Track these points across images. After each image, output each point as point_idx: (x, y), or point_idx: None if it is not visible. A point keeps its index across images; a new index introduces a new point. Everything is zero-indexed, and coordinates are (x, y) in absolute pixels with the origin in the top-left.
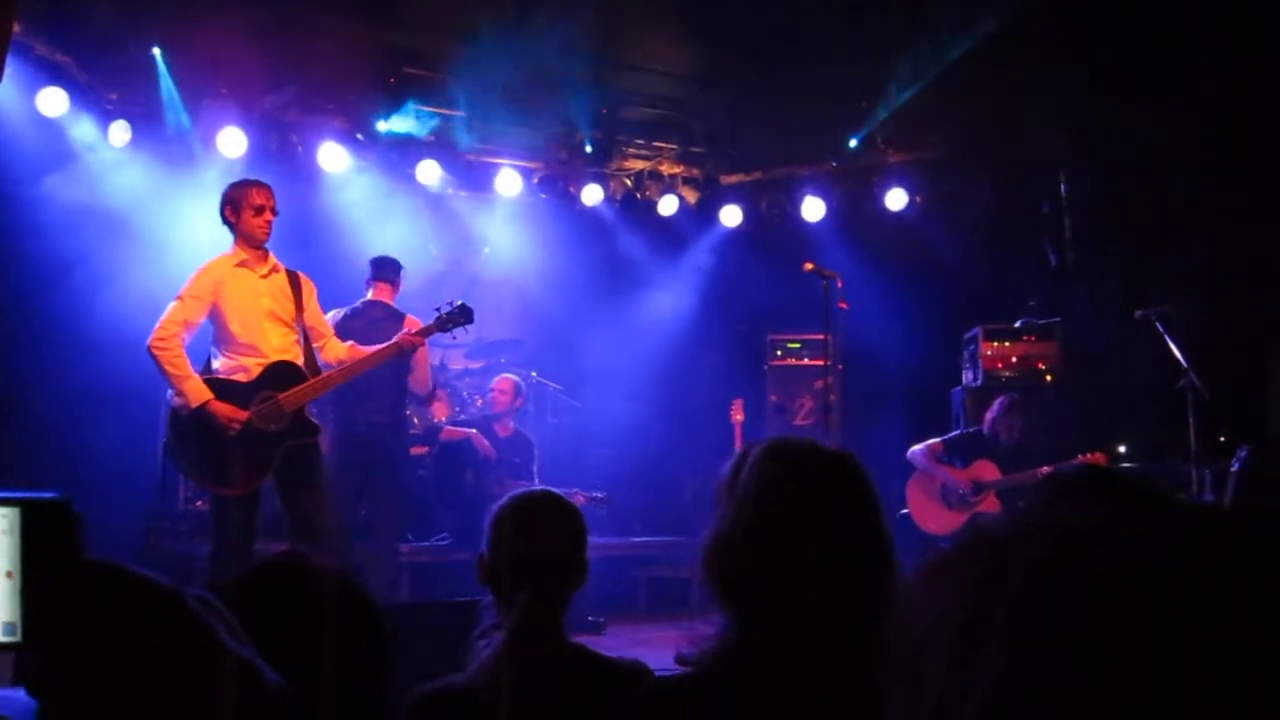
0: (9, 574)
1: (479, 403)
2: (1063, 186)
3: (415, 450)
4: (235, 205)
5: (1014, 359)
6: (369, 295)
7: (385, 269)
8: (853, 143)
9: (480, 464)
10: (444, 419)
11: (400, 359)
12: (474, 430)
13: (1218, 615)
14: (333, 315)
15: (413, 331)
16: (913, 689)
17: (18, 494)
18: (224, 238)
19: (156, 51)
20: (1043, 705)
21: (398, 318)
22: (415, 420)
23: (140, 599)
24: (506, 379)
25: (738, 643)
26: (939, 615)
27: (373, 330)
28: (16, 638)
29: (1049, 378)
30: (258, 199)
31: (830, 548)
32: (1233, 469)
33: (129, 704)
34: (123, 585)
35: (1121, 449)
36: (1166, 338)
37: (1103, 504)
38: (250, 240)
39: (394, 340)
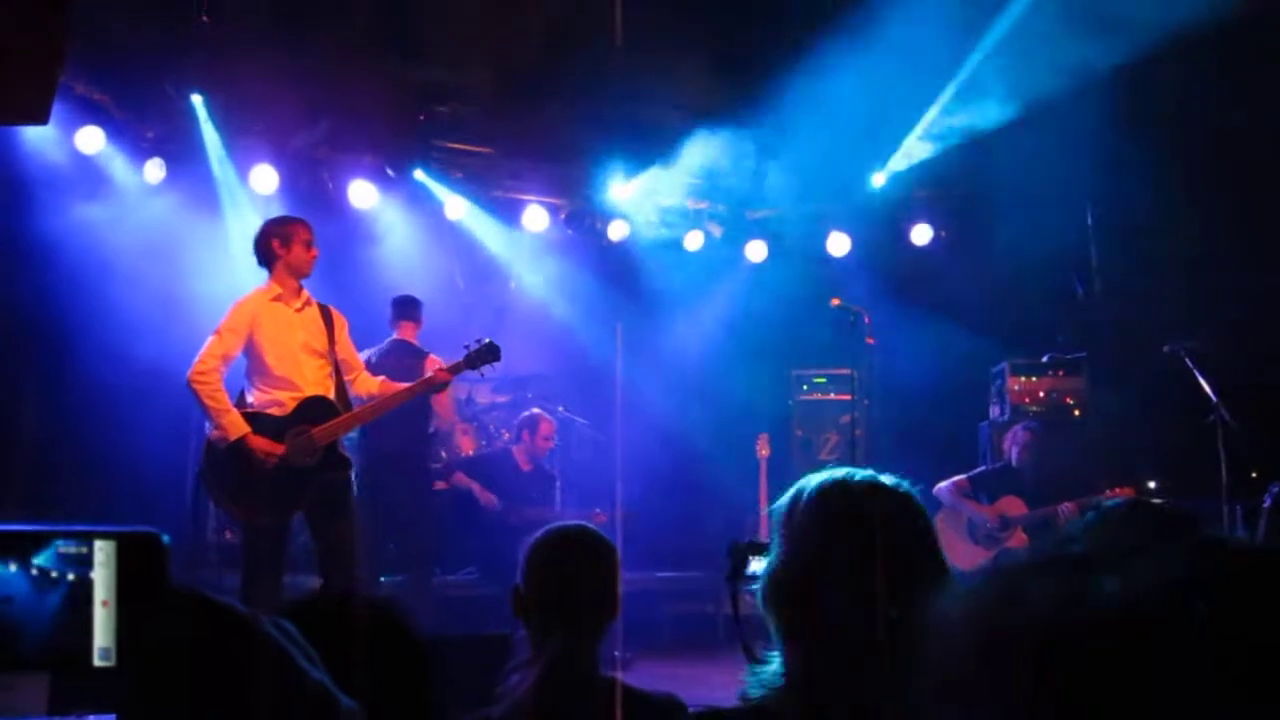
0: (104, 602)
1: (505, 436)
2: (1089, 219)
3: (438, 485)
4: (285, 239)
5: (1041, 394)
6: (394, 335)
7: (407, 308)
8: (878, 178)
9: (484, 512)
10: (470, 453)
11: (430, 394)
12: (475, 485)
13: (1257, 651)
14: (365, 355)
15: (443, 368)
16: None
17: (114, 528)
18: (254, 273)
19: (196, 99)
20: None
21: (421, 355)
22: (443, 454)
23: (222, 625)
24: (549, 422)
25: (800, 676)
26: (970, 643)
27: (402, 369)
28: (112, 662)
29: (1077, 412)
30: (306, 234)
31: (890, 581)
32: (1264, 504)
33: None
34: (209, 612)
35: (1151, 484)
36: (1195, 372)
37: (1131, 535)
38: (295, 273)
39: (424, 378)
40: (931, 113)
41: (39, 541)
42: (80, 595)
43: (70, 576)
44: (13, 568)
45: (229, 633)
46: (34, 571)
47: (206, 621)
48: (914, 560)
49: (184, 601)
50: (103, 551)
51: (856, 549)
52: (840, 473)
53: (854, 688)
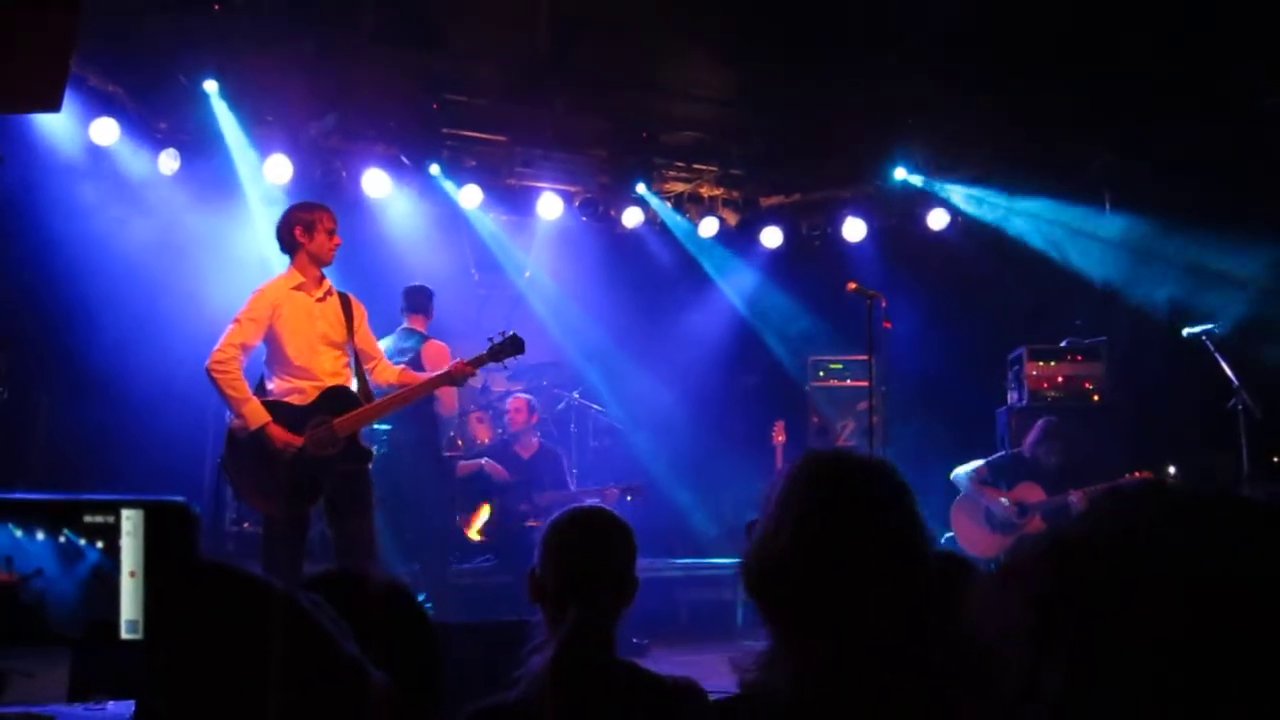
0: (132, 573)
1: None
2: (1107, 204)
3: (464, 467)
4: (309, 226)
5: (1059, 379)
6: (405, 324)
7: (417, 298)
8: (900, 172)
9: (499, 488)
10: (487, 441)
11: (453, 386)
12: (484, 460)
13: None
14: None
15: (465, 362)
16: (985, 689)
17: (143, 497)
18: (270, 262)
19: (211, 85)
20: (1110, 704)
21: (421, 340)
22: (459, 442)
23: (256, 599)
24: (519, 398)
25: (787, 659)
26: (1009, 620)
27: (416, 360)
28: (139, 635)
29: (1095, 398)
30: (329, 222)
31: (873, 557)
32: None
33: (243, 702)
34: (240, 585)
35: (1171, 470)
36: (1216, 356)
37: (1168, 513)
38: (318, 262)
39: (446, 370)
40: None
41: (66, 511)
42: (108, 565)
43: (99, 545)
44: (40, 537)
45: (260, 605)
46: (62, 541)
47: (238, 594)
48: (897, 537)
49: (214, 573)
50: (130, 521)
51: (838, 527)
52: (823, 452)
53: (843, 663)
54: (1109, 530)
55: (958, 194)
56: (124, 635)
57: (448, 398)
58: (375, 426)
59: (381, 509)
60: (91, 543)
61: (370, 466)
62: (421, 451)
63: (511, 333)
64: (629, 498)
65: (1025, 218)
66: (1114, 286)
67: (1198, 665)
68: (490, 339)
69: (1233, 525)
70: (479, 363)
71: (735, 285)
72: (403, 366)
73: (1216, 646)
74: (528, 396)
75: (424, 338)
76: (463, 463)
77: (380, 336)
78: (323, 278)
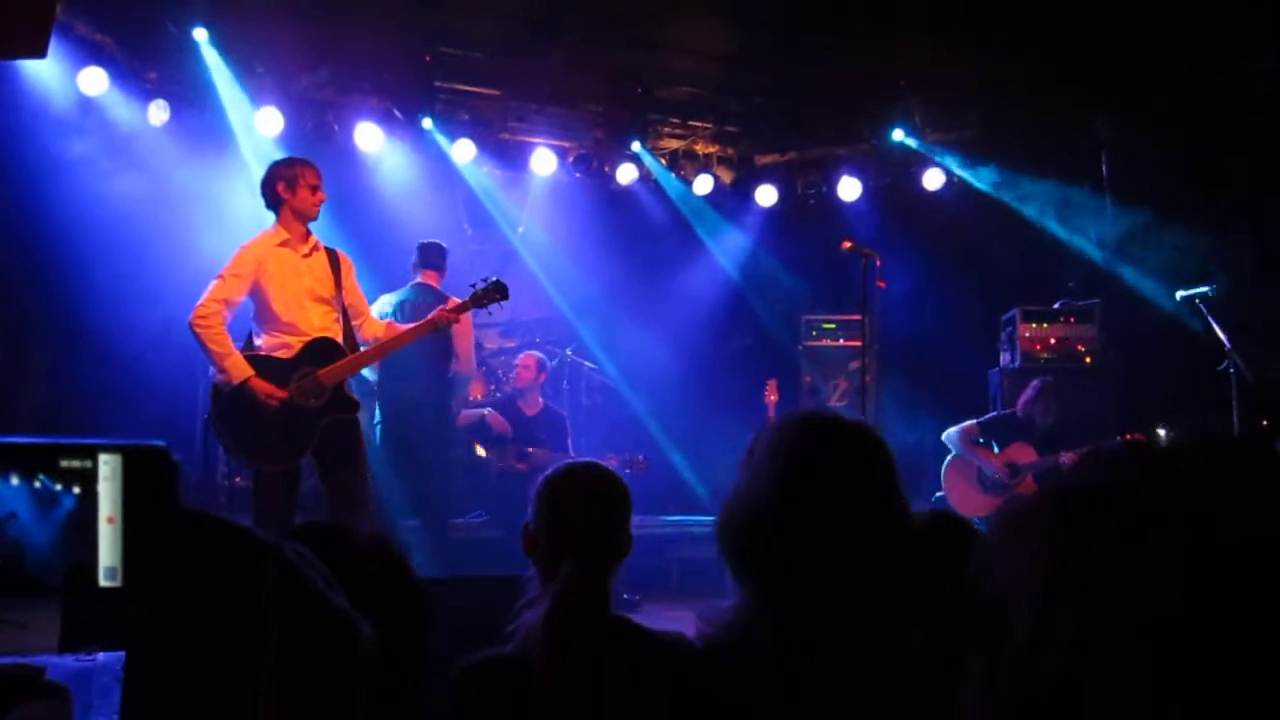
0: (110, 519)
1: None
2: (1104, 168)
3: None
4: (290, 182)
5: (1052, 340)
6: (417, 279)
7: (431, 254)
8: (897, 133)
9: (498, 440)
10: (480, 397)
11: (437, 335)
12: (488, 410)
13: None
14: (388, 299)
15: (447, 308)
16: (993, 641)
17: (120, 441)
18: (261, 216)
19: (201, 34)
20: (1128, 651)
21: (443, 298)
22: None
23: (240, 549)
24: (530, 355)
25: (753, 616)
26: (1020, 568)
27: (424, 314)
28: (117, 582)
29: (1088, 360)
30: (312, 177)
31: (847, 516)
32: None
33: (225, 653)
34: (223, 534)
35: (1161, 432)
36: (1210, 319)
37: (1190, 462)
38: (302, 217)
39: (428, 318)
40: None
41: (42, 455)
42: (85, 511)
43: (75, 490)
44: (15, 481)
45: (244, 554)
46: (37, 485)
47: (220, 542)
48: (869, 492)
49: (195, 520)
50: (108, 465)
51: (813, 487)
52: (797, 413)
53: (811, 621)
54: (1125, 478)
55: (954, 165)
56: (102, 582)
57: (465, 356)
58: (387, 385)
59: (388, 465)
60: (68, 488)
61: (359, 417)
62: (430, 410)
63: (495, 278)
64: (628, 470)
65: (1021, 193)
66: (1109, 249)
67: (1213, 614)
68: (473, 285)
69: (1257, 476)
70: (462, 309)
71: (729, 243)
72: (389, 321)
73: (1233, 596)
74: (538, 354)
75: (442, 295)
76: (465, 411)
77: (381, 292)
78: (308, 233)
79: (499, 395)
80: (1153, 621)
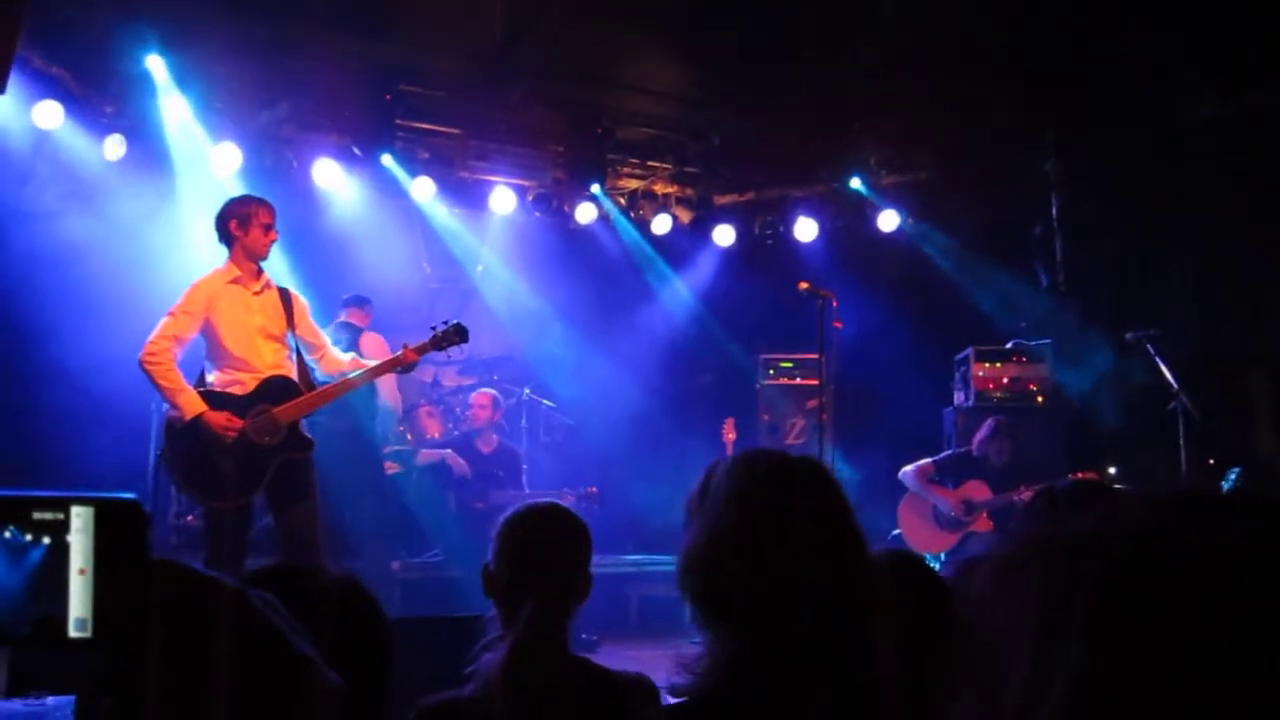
0: (81, 571)
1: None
2: (1054, 209)
3: (389, 467)
4: (244, 220)
5: (1005, 380)
6: (342, 318)
7: (357, 300)
8: (855, 183)
9: (458, 482)
10: (437, 435)
11: (398, 373)
12: (448, 451)
13: None
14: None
15: (410, 348)
16: (988, 690)
17: (92, 494)
18: (216, 252)
19: (159, 68)
20: (1127, 702)
21: (357, 333)
22: (408, 436)
23: (207, 598)
24: (484, 394)
25: (725, 660)
26: (1013, 616)
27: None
28: (88, 633)
29: (1040, 399)
30: (266, 217)
31: (802, 553)
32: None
33: (194, 702)
34: (190, 584)
35: (1111, 470)
36: (1158, 360)
37: (1186, 511)
38: (253, 256)
39: (391, 357)
40: None
41: (13, 507)
42: (56, 563)
43: (45, 542)
44: None
45: (213, 604)
46: (7, 535)
47: (189, 592)
48: (823, 528)
49: (164, 572)
50: (80, 518)
51: (768, 525)
52: (750, 451)
53: (780, 662)
54: (1122, 526)
55: (909, 194)
56: (72, 633)
57: (388, 387)
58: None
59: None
60: (39, 539)
61: (312, 456)
62: (353, 443)
63: (455, 322)
64: (583, 504)
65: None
66: (1060, 289)
67: (1212, 663)
68: (434, 327)
69: (1250, 524)
70: (422, 350)
71: (688, 283)
72: (353, 356)
73: (1232, 644)
74: (492, 392)
75: (360, 330)
76: (425, 451)
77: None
78: (260, 271)
79: (456, 434)
80: (1150, 675)
